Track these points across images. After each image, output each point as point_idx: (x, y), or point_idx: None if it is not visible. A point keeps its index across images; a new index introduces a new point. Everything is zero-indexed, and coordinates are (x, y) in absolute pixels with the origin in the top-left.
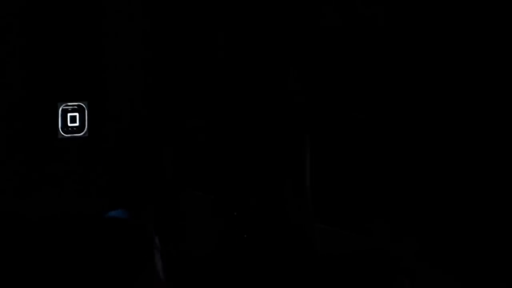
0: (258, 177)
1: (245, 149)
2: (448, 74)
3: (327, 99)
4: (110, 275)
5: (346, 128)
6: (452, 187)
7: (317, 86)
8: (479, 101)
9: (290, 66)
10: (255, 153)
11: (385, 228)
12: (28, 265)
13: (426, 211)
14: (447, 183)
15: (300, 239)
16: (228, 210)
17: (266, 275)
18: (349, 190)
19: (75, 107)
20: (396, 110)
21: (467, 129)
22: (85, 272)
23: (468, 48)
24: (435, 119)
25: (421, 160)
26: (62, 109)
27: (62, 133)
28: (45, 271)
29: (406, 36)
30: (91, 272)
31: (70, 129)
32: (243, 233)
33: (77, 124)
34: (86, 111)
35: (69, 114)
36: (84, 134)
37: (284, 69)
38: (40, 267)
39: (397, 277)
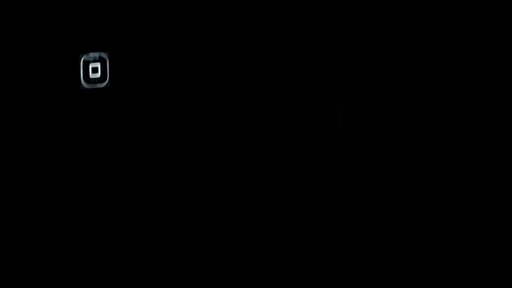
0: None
1: (270, 90)
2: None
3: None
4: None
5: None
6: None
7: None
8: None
9: None
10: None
11: (415, 174)
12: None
13: (456, 157)
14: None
15: (331, 184)
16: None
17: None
18: (378, 134)
19: (96, 58)
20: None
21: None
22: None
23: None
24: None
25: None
26: (84, 60)
27: (84, 84)
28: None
29: None
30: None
31: (92, 80)
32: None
33: (98, 75)
34: (107, 62)
35: (90, 65)
36: (106, 85)
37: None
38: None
39: (428, 222)
